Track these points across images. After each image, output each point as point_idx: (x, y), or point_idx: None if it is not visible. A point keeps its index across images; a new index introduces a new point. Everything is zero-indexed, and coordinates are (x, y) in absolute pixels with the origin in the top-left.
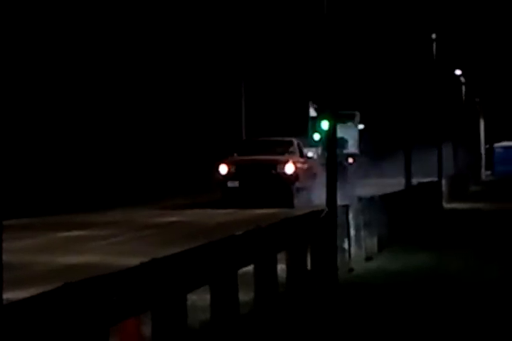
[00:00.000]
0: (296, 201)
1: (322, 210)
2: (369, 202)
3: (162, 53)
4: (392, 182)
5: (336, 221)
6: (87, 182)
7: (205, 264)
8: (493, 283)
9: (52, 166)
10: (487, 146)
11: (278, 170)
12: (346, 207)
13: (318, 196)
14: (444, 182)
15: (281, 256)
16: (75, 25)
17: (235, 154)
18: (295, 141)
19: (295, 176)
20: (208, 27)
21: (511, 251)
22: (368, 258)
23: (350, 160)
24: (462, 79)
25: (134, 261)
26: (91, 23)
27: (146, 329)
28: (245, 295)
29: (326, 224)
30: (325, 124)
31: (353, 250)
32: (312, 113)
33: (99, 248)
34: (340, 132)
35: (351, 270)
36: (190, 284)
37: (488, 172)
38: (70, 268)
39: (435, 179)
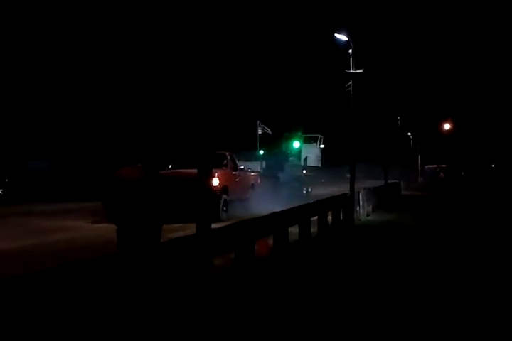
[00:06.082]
0: (226, 214)
1: (347, 193)
2: (368, 190)
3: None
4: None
5: (353, 197)
6: None
7: (296, 215)
8: (425, 226)
9: None
10: (421, 167)
11: None
12: (358, 192)
13: (257, 205)
14: (401, 183)
15: (329, 213)
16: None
17: (166, 168)
18: (227, 154)
19: (222, 189)
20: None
21: (434, 212)
22: (367, 215)
23: (304, 171)
24: (411, 136)
25: (265, 212)
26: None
27: (270, 243)
28: (312, 229)
29: (349, 199)
30: (296, 144)
31: (360, 211)
32: (259, 131)
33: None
34: (306, 150)
35: (359, 220)
36: (290, 223)
37: (421, 179)
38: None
39: (397, 181)
